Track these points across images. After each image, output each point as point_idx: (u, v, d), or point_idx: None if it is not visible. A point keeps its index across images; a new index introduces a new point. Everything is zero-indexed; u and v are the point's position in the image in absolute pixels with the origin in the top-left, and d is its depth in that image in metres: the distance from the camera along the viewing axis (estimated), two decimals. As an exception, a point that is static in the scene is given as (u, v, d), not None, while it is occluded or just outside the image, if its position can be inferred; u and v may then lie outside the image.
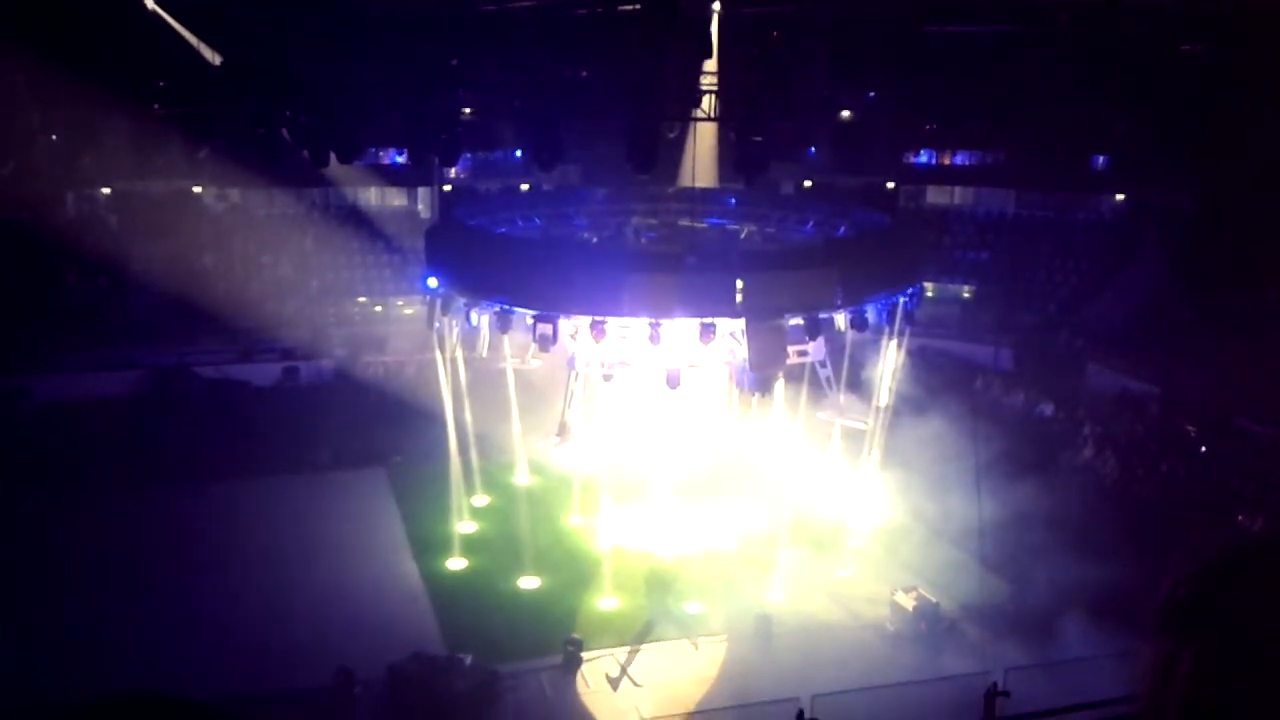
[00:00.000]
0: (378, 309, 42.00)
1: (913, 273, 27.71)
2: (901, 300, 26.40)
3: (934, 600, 22.72)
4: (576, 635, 21.59)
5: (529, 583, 24.73)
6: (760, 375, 25.36)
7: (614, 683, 20.96)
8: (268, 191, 44.14)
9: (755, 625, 22.65)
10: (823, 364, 29.53)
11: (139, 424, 32.03)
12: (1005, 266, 44.24)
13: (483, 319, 26.37)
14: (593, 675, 21.06)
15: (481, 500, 29.26)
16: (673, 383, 25.67)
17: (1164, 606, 1.68)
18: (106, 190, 42.39)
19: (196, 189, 43.77)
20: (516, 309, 24.96)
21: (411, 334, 38.90)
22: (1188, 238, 40.14)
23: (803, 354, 27.97)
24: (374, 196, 46.80)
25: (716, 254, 26.80)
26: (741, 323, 24.45)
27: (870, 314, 25.79)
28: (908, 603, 22.65)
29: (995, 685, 18.53)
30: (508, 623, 22.88)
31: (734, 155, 29.87)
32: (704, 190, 31.32)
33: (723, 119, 29.73)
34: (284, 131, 33.97)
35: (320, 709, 19.12)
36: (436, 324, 27.07)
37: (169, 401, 34.36)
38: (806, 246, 28.63)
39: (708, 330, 24.10)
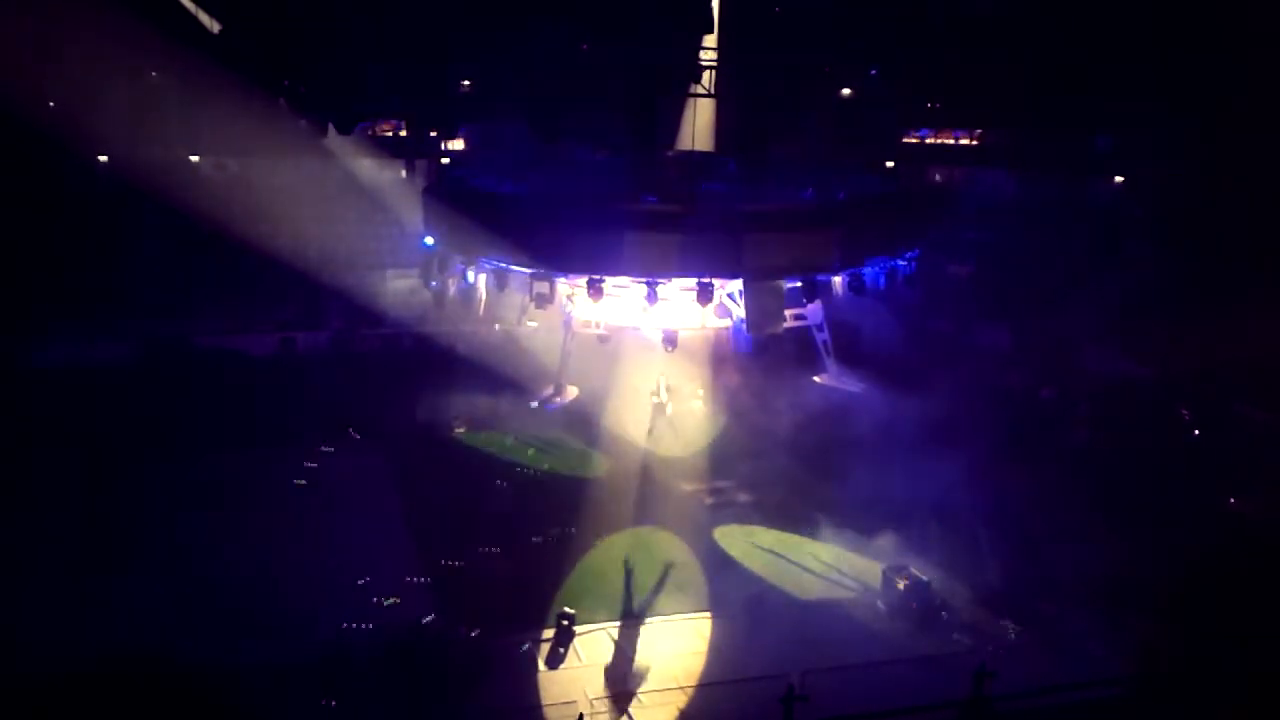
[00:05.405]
0: (375, 281, 41.92)
1: (912, 238, 27.71)
2: (900, 265, 26.46)
3: (925, 579, 22.79)
4: (570, 609, 21.67)
5: (524, 555, 24.74)
6: (756, 336, 25.47)
7: (606, 657, 21.05)
8: (265, 161, 43.94)
9: (747, 602, 22.74)
10: (819, 328, 29.62)
11: (133, 394, 32.04)
12: (1004, 246, 44.21)
13: (480, 278, 26.47)
14: (585, 649, 21.15)
15: (479, 468, 29.37)
16: (670, 343, 25.77)
17: (1154, 588, 1.68)
18: (104, 157, 42.20)
19: (194, 158, 43.59)
20: (513, 268, 25.02)
21: (408, 305, 38.97)
22: (1186, 220, 40.11)
23: (800, 318, 28.07)
24: (372, 168, 46.60)
25: (715, 214, 26.70)
26: (739, 284, 24.52)
27: (867, 278, 25.87)
28: (899, 581, 22.73)
29: (984, 664, 18.67)
30: (502, 595, 22.94)
31: (733, 132, 29.74)
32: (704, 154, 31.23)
33: (722, 95, 29.59)
34: (283, 101, 33.83)
35: (316, 679, 19.19)
36: (434, 283, 27.24)
37: (164, 371, 34.29)
38: (806, 208, 28.59)
39: (705, 291, 24.13)
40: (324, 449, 29.61)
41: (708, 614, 22.63)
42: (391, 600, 22.40)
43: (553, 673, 20.44)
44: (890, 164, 47.36)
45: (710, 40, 29.05)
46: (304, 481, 28.00)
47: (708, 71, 28.48)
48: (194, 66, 38.54)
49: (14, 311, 35.01)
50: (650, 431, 29.92)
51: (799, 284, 25.56)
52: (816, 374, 31.04)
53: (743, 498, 28.00)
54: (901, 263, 26.95)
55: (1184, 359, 33.03)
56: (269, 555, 23.58)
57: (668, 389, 29.76)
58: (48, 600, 21.51)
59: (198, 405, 31.42)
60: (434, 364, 35.89)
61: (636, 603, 22.65)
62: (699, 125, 30.27)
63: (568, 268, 24.71)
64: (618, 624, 21.99)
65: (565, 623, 21.40)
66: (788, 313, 26.34)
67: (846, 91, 43.10)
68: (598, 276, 24.27)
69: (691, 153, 30.62)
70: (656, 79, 28.75)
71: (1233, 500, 26.99)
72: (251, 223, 41.04)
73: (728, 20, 29.45)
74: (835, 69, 42.45)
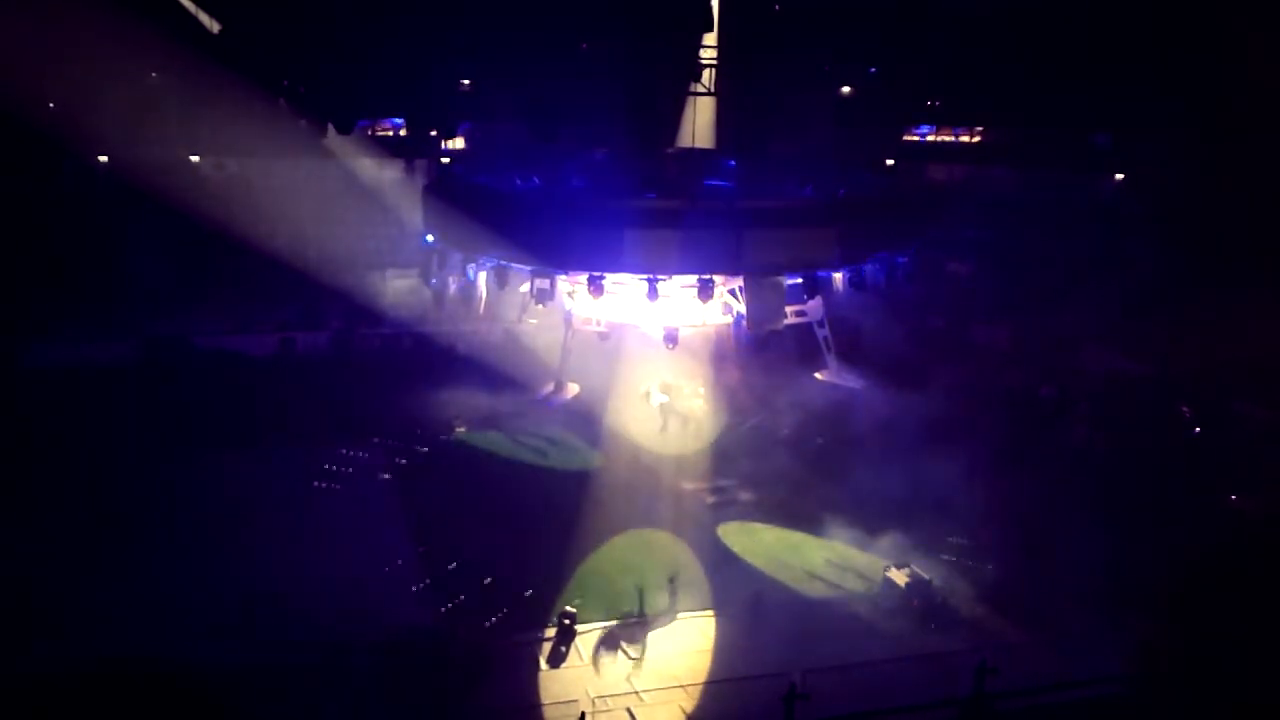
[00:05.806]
0: (375, 281, 41.92)
1: (913, 234, 27.77)
2: (899, 260, 26.51)
3: (926, 577, 22.78)
4: (571, 608, 21.66)
5: (524, 555, 24.70)
6: (757, 333, 25.54)
7: (607, 656, 21.05)
8: (265, 161, 43.95)
9: (748, 600, 22.73)
10: (820, 324, 29.64)
11: (133, 394, 32.04)
12: (1004, 244, 44.22)
13: (480, 275, 26.51)
14: (586, 648, 21.15)
15: (477, 467, 29.36)
16: (671, 340, 25.76)
17: (1154, 588, 1.68)
18: (104, 158, 42.22)
19: (194, 158, 43.60)
20: (515, 265, 25.02)
21: (408, 305, 39.01)
22: (1186, 219, 40.13)
23: (801, 314, 28.12)
24: (372, 168, 46.59)
25: (716, 211, 26.71)
26: (740, 280, 24.56)
27: (867, 273, 25.94)
28: (901, 579, 22.72)
29: (984, 662, 18.67)
30: (503, 594, 22.93)
31: (734, 130, 29.79)
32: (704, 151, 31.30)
33: (721, 94, 29.62)
34: (283, 101, 33.83)
35: (316, 680, 19.18)
36: (434, 281, 27.28)
37: (164, 371, 34.30)
38: (807, 204, 28.65)
39: (706, 287, 24.11)
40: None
41: (710, 612, 22.62)
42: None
43: (554, 672, 20.42)
44: (890, 161, 47.37)
45: (710, 39, 29.10)
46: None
47: (708, 70, 28.51)
48: (194, 66, 38.58)
49: (14, 311, 35.02)
50: (663, 428, 29.96)
51: (800, 280, 25.59)
52: (817, 370, 31.10)
53: (745, 496, 27.97)
54: (901, 259, 27.02)
55: (1184, 358, 33.06)
56: (269, 555, 23.55)
57: (662, 389, 29.80)
58: (48, 600, 21.49)
59: (198, 405, 31.41)
60: (434, 363, 35.94)
61: (639, 602, 22.61)
62: (699, 123, 30.33)
63: (568, 265, 24.72)
64: (619, 623, 21.99)
65: (567, 622, 21.39)
66: (788, 309, 26.38)
67: (846, 90, 43.11)
68: (598, 274, 24.28)
69: (692, 150, 30.69)
70: (657, 77, 28.79)
71: (1233, 498, 26.98)
72: (251, 223, 41.08)
73: (728, 20, 29.48)
74: (835, 68, 42.44)
